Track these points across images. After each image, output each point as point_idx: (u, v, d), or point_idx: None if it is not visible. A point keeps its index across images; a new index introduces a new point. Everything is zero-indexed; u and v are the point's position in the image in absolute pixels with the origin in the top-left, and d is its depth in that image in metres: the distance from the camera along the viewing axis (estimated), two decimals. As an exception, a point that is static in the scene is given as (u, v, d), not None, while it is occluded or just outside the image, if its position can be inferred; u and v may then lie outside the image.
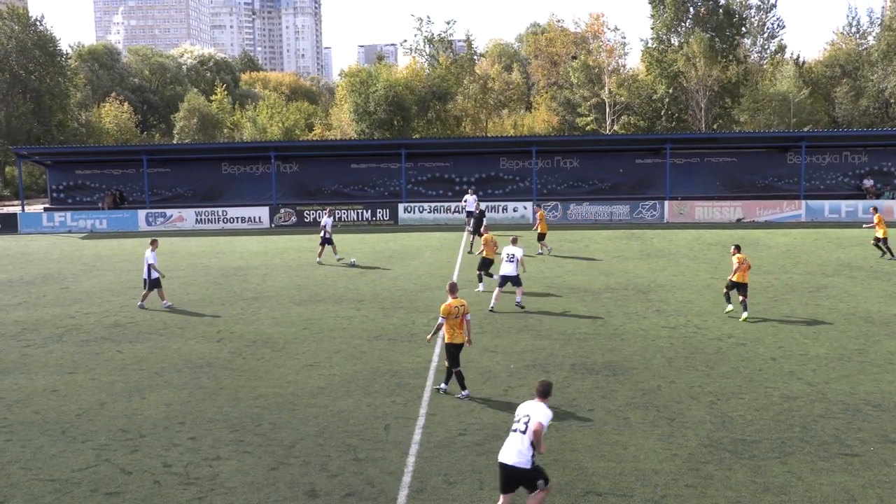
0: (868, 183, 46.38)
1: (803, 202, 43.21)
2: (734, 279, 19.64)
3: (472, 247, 32.53)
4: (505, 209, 44.77)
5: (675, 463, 10.88)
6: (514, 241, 21.96)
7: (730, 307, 19.97)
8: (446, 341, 13.98)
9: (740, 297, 19.50)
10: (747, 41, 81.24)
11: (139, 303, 22.53)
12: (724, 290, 20.33)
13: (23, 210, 50.55)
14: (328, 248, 29.86)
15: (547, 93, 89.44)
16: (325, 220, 30.08)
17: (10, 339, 18.79)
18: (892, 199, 44.66)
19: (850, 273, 25.71)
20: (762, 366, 15.43)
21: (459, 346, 13.92)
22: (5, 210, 58.67)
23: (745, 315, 19.28)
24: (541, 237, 31.39)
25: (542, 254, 30.82)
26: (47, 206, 53.00)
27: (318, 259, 29.77)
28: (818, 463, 10.81)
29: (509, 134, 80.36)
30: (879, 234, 28.65)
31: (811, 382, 14.28)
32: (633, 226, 41.66)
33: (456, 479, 10.43)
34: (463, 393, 13.73)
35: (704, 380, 14.56)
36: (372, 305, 21.81)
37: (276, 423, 12.62)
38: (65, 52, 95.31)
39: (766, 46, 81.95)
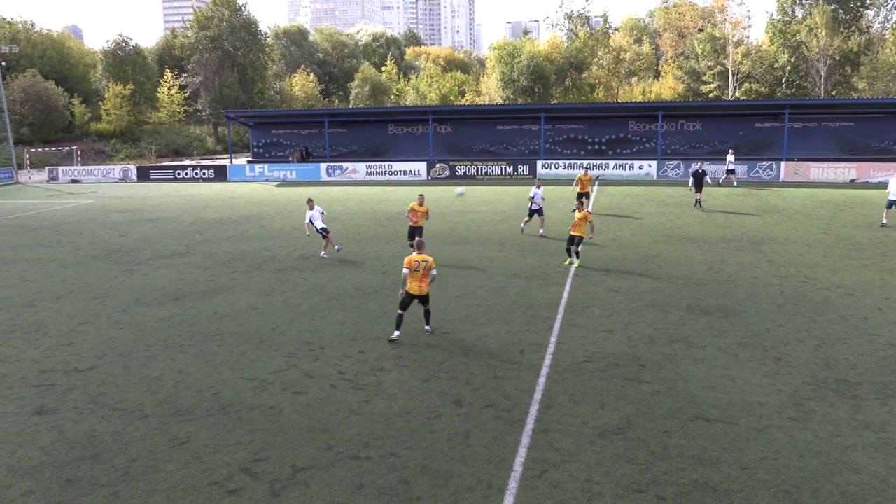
0: None
1: (918, 165, 39.50)
2: (572, 233, 18.90)
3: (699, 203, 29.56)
4: (632, 167, 43.41)
5: (780, 397, 10.39)
6: None
7: (569, 260, 19.33)
8: (407, 290, 12.91)
9: (575, 249, 19.03)
10: (870, 12, 74.12)
11: (322, 253, 21.08)
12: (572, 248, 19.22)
13: (231, 162, 53.54)
14: (536, 218, 24.12)
15: (674, 62, 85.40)
16: (536, 192, 23.95)
17: (221, 267, 20.11)
18: None
19: (963, 232, 23.42)
20: (868, 315, 14.39)
21: (418, 297, 12.96)
22: (218, 162, 62.29)
23: (576, 262, 19.03)
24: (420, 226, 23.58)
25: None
26: (249, 159, 55.89)
27: (522, 226, 24.63)
28: (919, 406, 10.05)
29: (638, 100, 77.37)
30: None
31: (916, 332, 13.22)
32: (751, 184, 39.42)
33: (580, 399, 10.40)
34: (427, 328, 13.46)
35: (811, 325, 13.75)
36: (511, 248, 21.81)
37: (429, 343, 12.95)
38: (264, 32, 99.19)
39: (889, 17, 74.52)
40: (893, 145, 44.06)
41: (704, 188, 29.57)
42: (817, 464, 8.51)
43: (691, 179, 29.66)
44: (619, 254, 20.61)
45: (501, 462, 8.62)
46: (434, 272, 13.04)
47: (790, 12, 74.35)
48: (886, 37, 72.34)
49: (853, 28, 70.58)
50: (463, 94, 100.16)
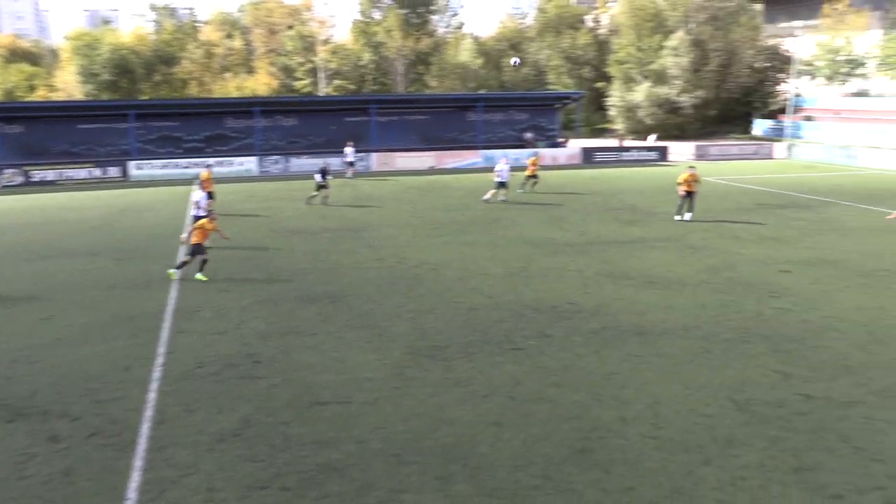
0: (528, 135, 50.31)
1: (481, 151, 46.06)
2: (193, 241, 16.91)
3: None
4: (231, 163, 42.96)
5: (385, 370, 11.32)
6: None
7: (172, 272, 17.29)
8: None
9: (203, 258, 17.13)
10: (436, 17, 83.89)
11: None
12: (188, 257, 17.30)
13: None
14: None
15: (267, 58, 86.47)
16: (200, 197, 21.53)
17: None
18: (545, 147, 48.80)
19: (519, 208, 27.94)
20: (451, 285, 16.40)
21: None
22: None
23: (198, 276, 16.98)
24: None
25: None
26: None
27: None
28: (494, 358, 11.79)
29: (233, 95, 76.82)
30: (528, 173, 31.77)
31: (489, 295, 15.45)
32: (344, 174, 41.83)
33: (195, 407, 10.06)
34: None
35: (406, 300, 15.20)
36: (106, 257, 20.01)
37: (12, 377, 11.27)
38: None
39: (449, 23, 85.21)
40: (461, 135, 50.57)
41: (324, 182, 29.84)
42: (419, 424, 9.48)
43: (318, 176, 29.64)
44: (227, 252, 20.28)
45: (112, 492, 7.95)
46: None
47: (369, 14, 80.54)
48: (449, 40, 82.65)
49: (422, 31, 79.18)
50: (34, 88, 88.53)
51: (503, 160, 29.84)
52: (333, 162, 40.51)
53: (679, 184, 24.71)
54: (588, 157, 47.08)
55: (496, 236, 22.20)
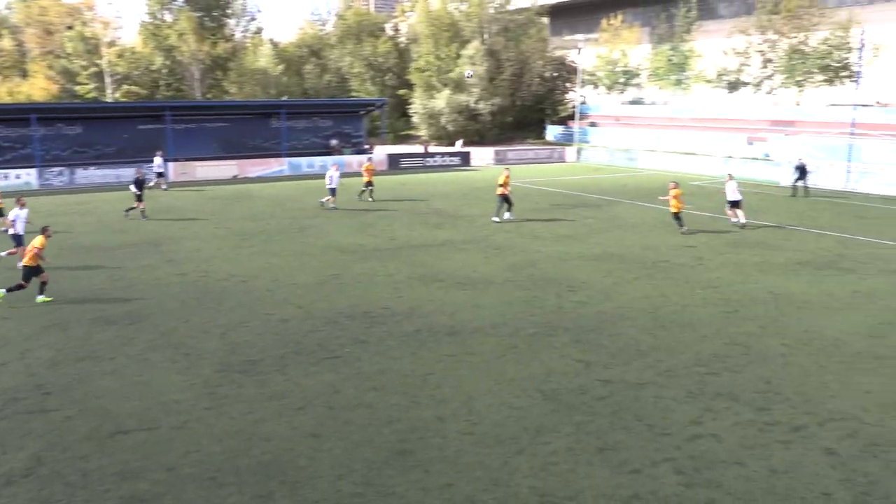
0: (333, 142, 50.09)
1: (286, 159, 45.18)
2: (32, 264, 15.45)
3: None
4: (7, 177, 38.78)
5: (194, 391, 10.76)
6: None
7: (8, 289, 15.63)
8: None
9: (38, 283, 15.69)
10: (232, 21, 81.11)
11: None
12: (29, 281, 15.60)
13: None
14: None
15: (44, 61, 79.05)
16: (17, 214, 19.45)
17: None
18: (351, 154, 48.86)
19: (328, 215, 27.72)
20: (261, 296, 15.94)
21: None
22: None
23: (42, 298, 15.59)
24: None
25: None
26: None
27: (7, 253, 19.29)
28: (310, 368, 11.62)
29: (5, 101, 69.41)
30: (366, 179, 31.83)
31: (300, 305, 15.19)
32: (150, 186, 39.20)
33: (-27, 450, 8.98)
34: None
35: (215, 315, 14.55)
36: None
37: None
38: None
39: (247, 28, 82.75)
40: (265, 142, 49.29)
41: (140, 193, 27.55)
42: (235, 443, 9.13)
43: (133, 185, 27.65)
44: (5, 275, 18.28)
45: None
46: None
47: (160, 16, 76.18)
48: (247, 45, 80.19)
49: (219, 35, 76.15)
50: None
51: (334, 167, 29.93)
52: (125, 172, 37.93)
53: (500, 185, 25.97)
54: (394, 163, 47.73)
55: (305, 245, 21.88)
